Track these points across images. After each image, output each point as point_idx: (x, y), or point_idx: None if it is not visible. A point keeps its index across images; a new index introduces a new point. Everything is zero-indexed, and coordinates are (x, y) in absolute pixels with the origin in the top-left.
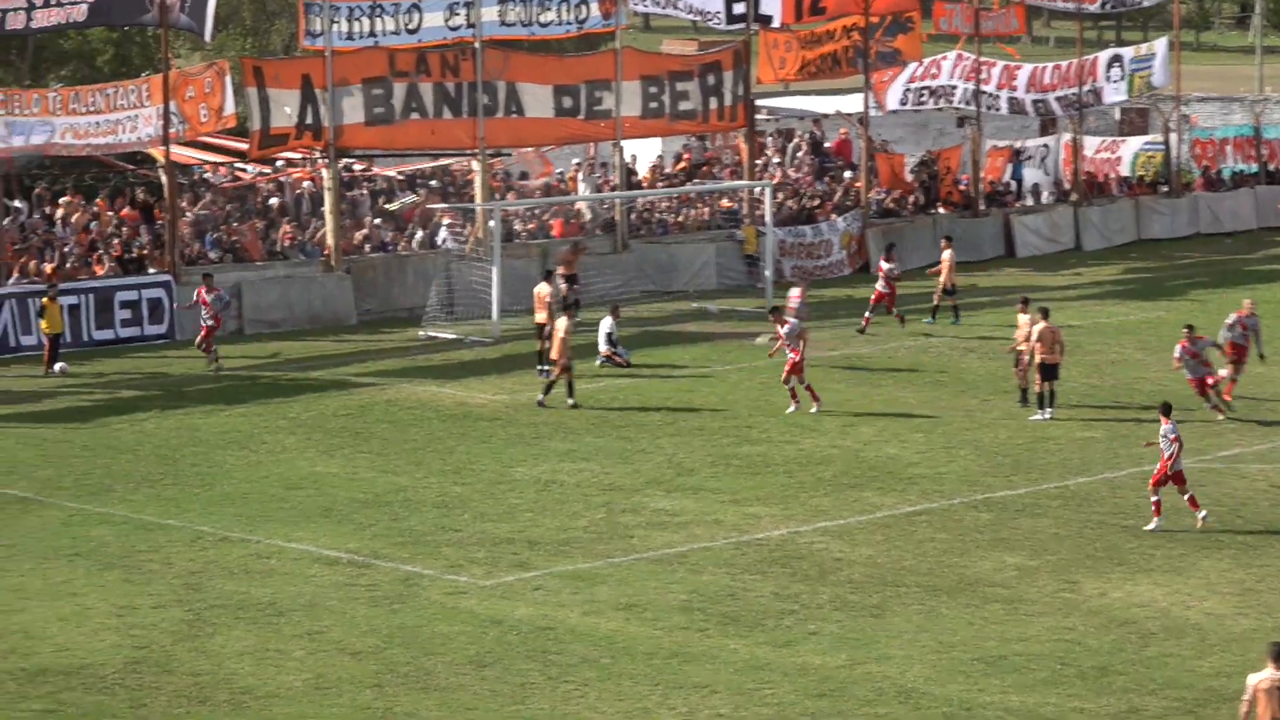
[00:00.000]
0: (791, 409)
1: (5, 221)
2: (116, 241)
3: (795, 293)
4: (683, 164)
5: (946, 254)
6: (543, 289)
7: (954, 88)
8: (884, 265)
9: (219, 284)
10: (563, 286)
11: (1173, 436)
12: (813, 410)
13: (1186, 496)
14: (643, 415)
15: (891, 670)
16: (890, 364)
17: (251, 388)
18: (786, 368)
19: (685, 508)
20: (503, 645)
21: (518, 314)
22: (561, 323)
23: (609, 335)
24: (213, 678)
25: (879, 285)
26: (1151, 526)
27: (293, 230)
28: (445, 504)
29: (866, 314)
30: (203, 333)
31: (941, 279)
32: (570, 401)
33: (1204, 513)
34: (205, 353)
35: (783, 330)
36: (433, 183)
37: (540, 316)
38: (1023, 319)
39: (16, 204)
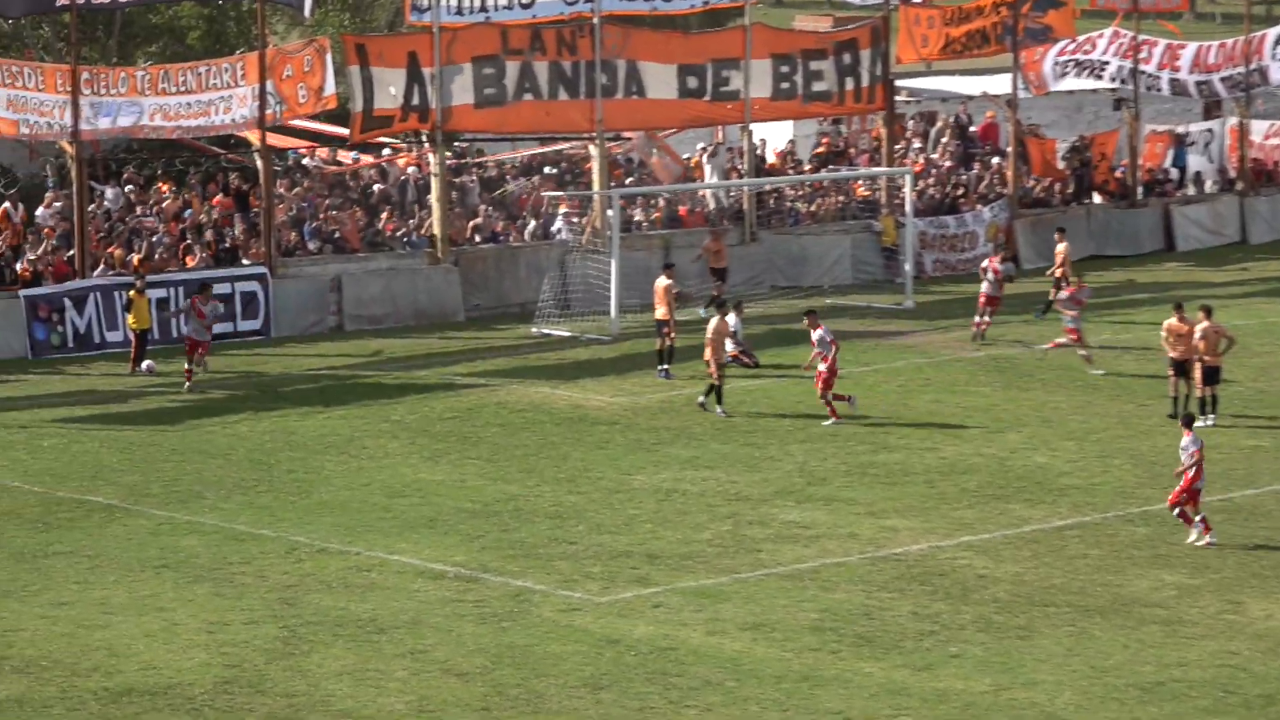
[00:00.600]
0: (830, 422)
1: (90, 208)
2: (209, 231)
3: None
4: (819, 150)
5: (1061, 246)
6: (663, 282)
7: (1105, 63)
8: (996, 266)
9: (313, 274)
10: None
11: (1193, 450)
12: (827, 424)
13: (1199, 516)
14: (772, 420)
15: (1039, 696)
16: (1039, 366)
17: (352, 388)
18: (818, 380)
19: (817, 520)
20: (620, 667)
21: (638, 310)
22: (712, 323)
23: (734, 333)
24: (308, 699)
25: (986, 288)
26: (1203, 542)
27: (396, 219)
28: (559, 514)
29: (978, 319)
30: (191, 349)
31: (1055, 272)
32: (719, 410)
33: (1198, 538)
34: (192, 368)
35: (814, 335)
36: (547, 169)
37: (661, 312)
38: (1170, 322)
39: (105, 190)
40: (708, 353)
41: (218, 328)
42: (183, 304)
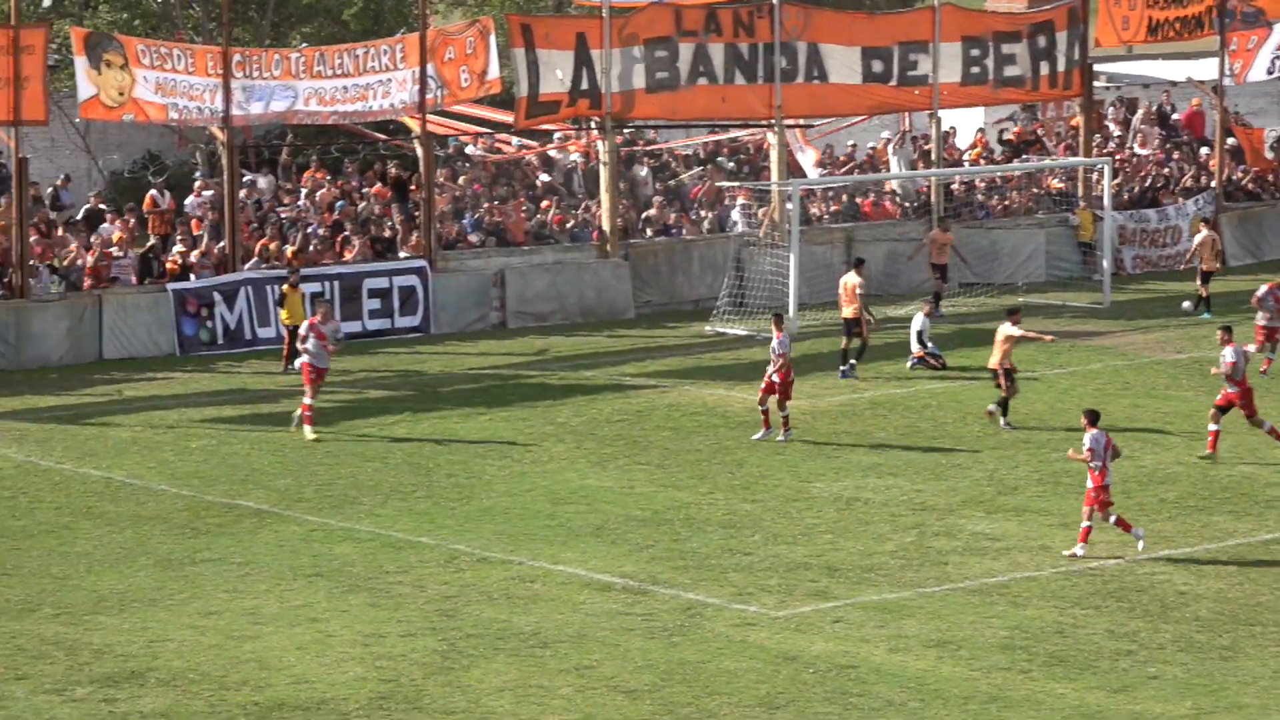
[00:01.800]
0: (760, 435)
1: (241, 197)
2: (366, 221)
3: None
4: (1011, 139)
5: (1199, 236)
6: (852, 280)
7: None
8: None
9: (475, 268)
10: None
11: (1089, 448)
12: (779, 438)
13: (1112, 519)
14: (959, 426)
15: None
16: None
17: (516, 389)
18: (763, 386)
19: (1008, 531)
20: (797, 685)
21: (818, 307)
22: (1004, 329)
23: (920, 334)
24: (468, 716)
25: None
26: (1138, 547)
27: (563, 211)
28: (733, 523)
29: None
30: (307, 374)
31: (1200, 265)
32: (1003, 423)
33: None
34: (309, 401)
35: (774, 344)
36: (721, 159)
37: (848, 311)
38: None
39: (258, 181)
40: (995, 360)
41: (373, 324)
42: (303, 328)
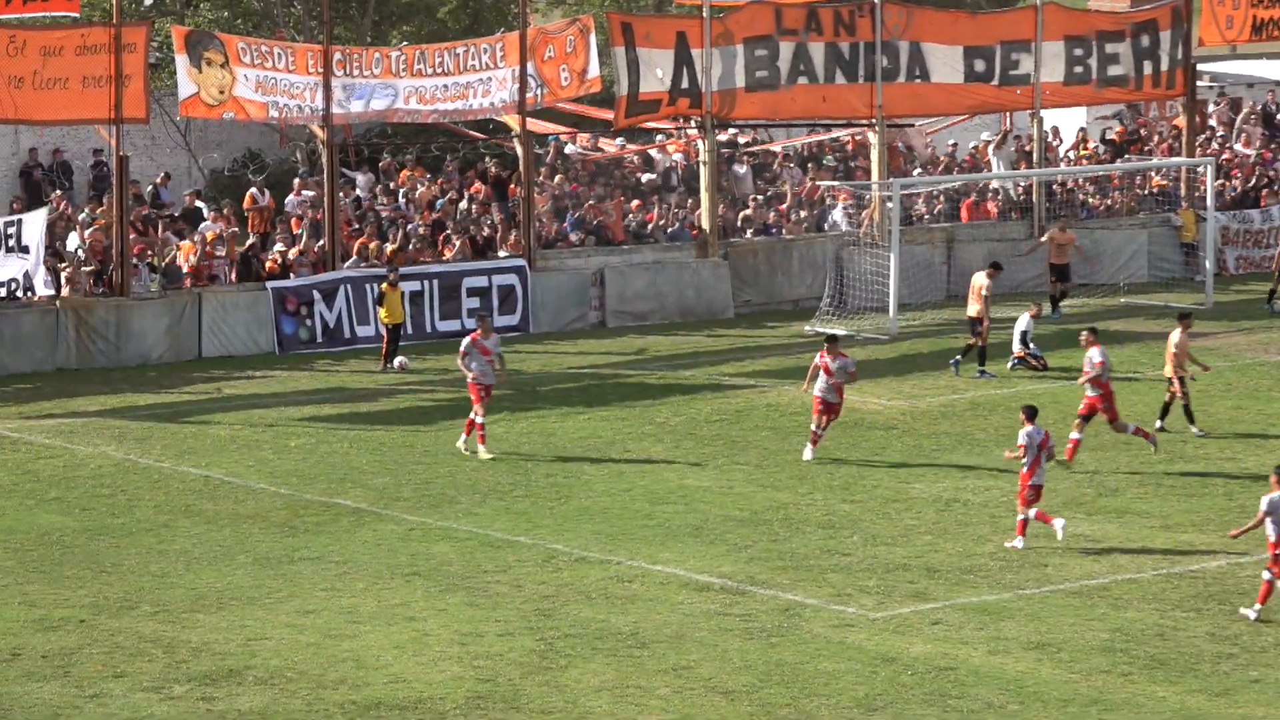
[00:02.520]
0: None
1: (340, 196)
2: (466, 220)
3: None
4: (1114, 138)
5: None
6: (981, 280)
7: None
8: None
9: (574, 266)
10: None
11: (1021, 444)
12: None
13: (1033, 512)
14: (1060, 426)
15: None
16: None
17: (615, 388)
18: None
19: (1108, 533)
20: (895, 687)
21: (917, 308)
22: (1173, 336)
23: (1024, 334)
24: (565, 716)
25: None
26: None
27: (663, 210)
28: (832, 524)
29: None
30: (476, 393)
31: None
32: (1194, 430)
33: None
34: (477, 418)
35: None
36: (826, 159)
37: (973, 309)
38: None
39: (357, 177)
40: (1169, 369)
41: (473, 323)
42: (464, 344)
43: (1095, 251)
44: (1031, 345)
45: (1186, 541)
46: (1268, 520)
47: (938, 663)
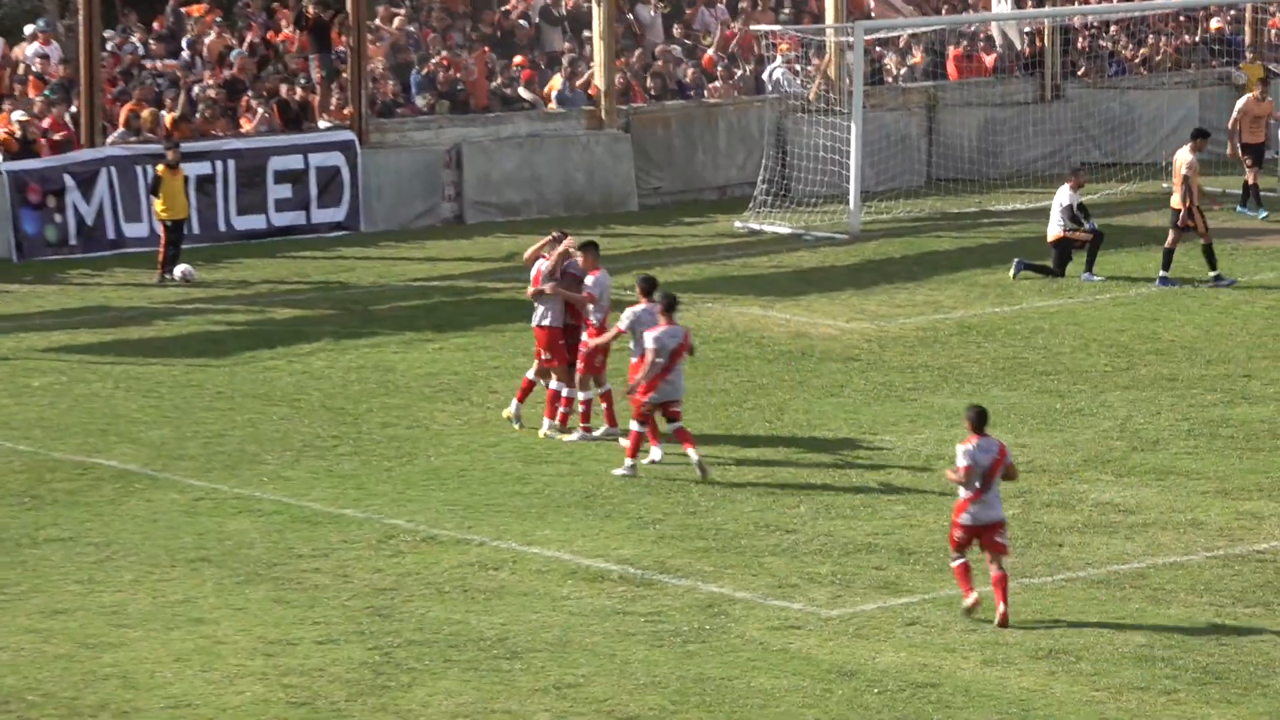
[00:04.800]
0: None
1: (102, 46)
2: (272, 79)
3: None
4: None
5: None
6: (1184, 157)
7: None
8: None
9: (421, 142)
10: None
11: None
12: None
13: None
14: (1079, 356)
15: None
16: None
17: (476, 307)
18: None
19: (1145, 501)
20: (858, 710)
21: (888, 196)
22: (1183, 155)
23: (1069, 207)
24: None
25: None
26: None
27: (541, 65)
28: (771, 489)
29: None
30: (583, 363)
31: None
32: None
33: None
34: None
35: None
36: None
37: (1176, 199)
38: None
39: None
40: (1177, 197)
41: (282, 218)
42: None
43: (1128, 121)
44: (1086, 220)
45: (1251, 512)
46: (965, 480)
47: (914, 677)
